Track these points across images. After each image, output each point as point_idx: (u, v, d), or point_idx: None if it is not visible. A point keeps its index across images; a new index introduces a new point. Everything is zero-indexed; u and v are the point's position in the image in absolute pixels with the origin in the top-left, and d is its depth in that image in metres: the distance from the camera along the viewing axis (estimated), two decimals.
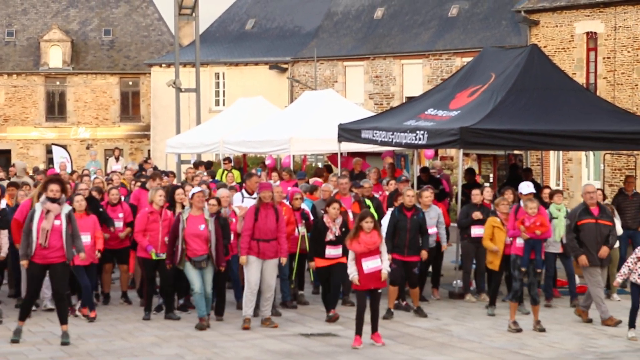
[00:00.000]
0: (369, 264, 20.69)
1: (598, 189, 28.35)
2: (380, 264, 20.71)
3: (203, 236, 22.77)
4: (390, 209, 24.94)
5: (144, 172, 33.61)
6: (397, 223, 23.80)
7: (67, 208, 21.20)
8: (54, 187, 20.97)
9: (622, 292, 26.18)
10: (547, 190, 27.95)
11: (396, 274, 23.35)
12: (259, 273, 22.49)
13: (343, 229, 23.19)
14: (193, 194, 23.39)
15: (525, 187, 24.28)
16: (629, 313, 21.68)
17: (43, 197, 20.97)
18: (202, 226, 22.84)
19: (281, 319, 22.99)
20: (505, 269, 24.20)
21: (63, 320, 21.00)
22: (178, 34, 65.74)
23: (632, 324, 21.68)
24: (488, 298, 25.24)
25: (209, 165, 40.11)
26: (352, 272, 20.75)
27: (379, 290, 21.26)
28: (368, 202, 26.42)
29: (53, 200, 20.86)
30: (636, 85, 57.86)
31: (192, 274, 22.74)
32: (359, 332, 20.56)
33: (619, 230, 26.49)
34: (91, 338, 21.21)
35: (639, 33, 58.06)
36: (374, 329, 20.77)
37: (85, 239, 23.01)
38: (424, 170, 32.10)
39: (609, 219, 23.69)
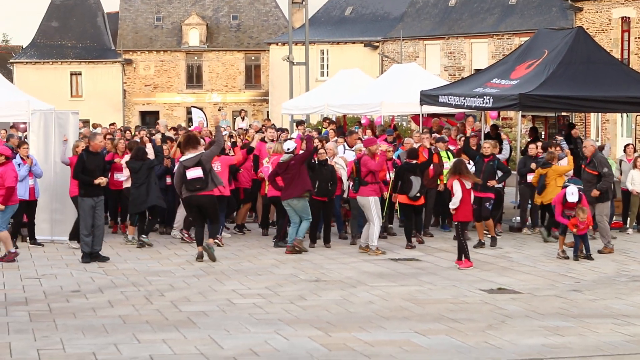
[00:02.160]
0: (456, 199, 21.18)
1: (629, 144, 28.87)
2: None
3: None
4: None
5: (263, 129, 33.83)
6: (475, 166, 24.30)
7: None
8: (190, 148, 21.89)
9: (636, 227, 27.32)
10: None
11: (478, 212, 23.61)
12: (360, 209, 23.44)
13: (423, 166, 23.96)
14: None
15: (570, 196, 23.49)
16: None
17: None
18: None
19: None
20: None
21: (213, 235, 22.22)
22: (291, 19, 69.89)
23: None
24: (541, 231, 25.62)
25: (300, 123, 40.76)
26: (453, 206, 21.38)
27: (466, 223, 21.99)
28: (443, 153, 26.76)
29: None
30: None
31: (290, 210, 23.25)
32: (463, 256, 21.08)
33: None
34: (224, 260, 21.68)
35: None
36: (466, 255, 21.14)
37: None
38: (494, 127, 32.20)
39: (594, 169, 24.33)
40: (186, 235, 24.59)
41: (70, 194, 23.60)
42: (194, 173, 21.32)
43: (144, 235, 23.71)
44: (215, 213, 22.22)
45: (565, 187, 23.07)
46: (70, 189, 23.47)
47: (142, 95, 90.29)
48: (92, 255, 21.15)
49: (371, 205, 22.83)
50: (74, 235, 23.19)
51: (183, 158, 21.79)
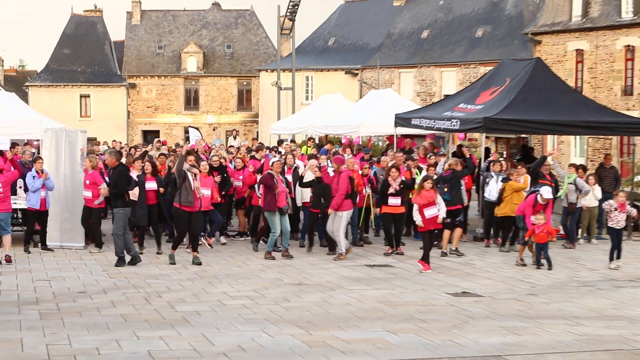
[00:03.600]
0: (428, 212, 21.57)
1: (581, 165, 28.95)
2: (437, 212, 21.65)
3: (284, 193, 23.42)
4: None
5: (252, 148, 34.13)
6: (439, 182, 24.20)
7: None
8: (191, 158, 21.95)
9: (599, 237, 27.29)
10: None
11: (449, 223, 23.73)
12: (334, 221, 23.39)
13: (401, 186, 24.00)
14: (273, 162, 24.08)
15: (546, 192, 23.72)
16: (610, 250, 22.49)
17: (186, 165, 21.62)
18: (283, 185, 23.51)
19: (351, 254, 23.30)
20: (515, 223, 24.58)
21: (194, 248, 22.15)
22: (280, 48, 70.07)
23: (611, 258, 22.45)
24: (501, 241, 25.74)
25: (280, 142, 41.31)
26: (417, 219, 21.81)
27: (436, 231, 22.35)
28: (417, 171, 26.90)
29: (194, 165, 21.89)
30: (611, 88, 57.93)
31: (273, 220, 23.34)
32: (426, 260, 21.46)
33: (599, 195, 26.94)
34: (216, 265, 21.79)
35: (613, 50, 58.34)
36: (424, 258, 21.50)
37: (207, 192, 23.42)
38: (459, 147, 32.38)
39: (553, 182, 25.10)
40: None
41: (87, 203, 23.86)
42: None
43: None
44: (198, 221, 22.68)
45: (534, 192, 23.30)
46: (88, 200, 23.74)
47: (145, 116, 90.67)
48: (122, 259, 21.45)
49: (343, 217, 23.29)
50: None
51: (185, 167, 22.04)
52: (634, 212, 23.56)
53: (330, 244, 24.12)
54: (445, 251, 24.03)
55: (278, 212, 23.14)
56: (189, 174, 21.59)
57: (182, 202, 21.47)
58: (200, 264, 21.53)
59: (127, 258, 21.49)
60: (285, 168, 25.70)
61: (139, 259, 21.61)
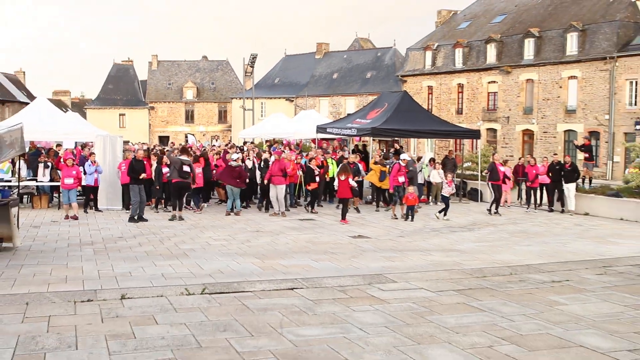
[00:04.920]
0: (344, 183, 21.76)
1: (432, 158, 29.16)
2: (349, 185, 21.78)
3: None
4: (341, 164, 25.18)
5: (227, 147, 34.04)
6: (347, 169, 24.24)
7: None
8: (184, 153, 22.31)
9: (434, 201, 27.52)
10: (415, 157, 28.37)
11: (355, 192, 23.66)
12: (275, 191, 23.18)
13: (321, 171, 24.04)
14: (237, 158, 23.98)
15: (405, 156, 24.45)
16: (443, 209, 22.82)
17: (182, 157, 22.06)
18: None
19: (289, 214, 23.18)
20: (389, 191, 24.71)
21: (181, 207, 22.03)
22: (245, 84, 70.11)
23: (442, 212, 22.81)
24: (384, 205, 25.69)
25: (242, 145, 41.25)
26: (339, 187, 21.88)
27: (348, 199, 22.18)
28: (330, 160, 26.93)
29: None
30: (449, 110, 58.42)
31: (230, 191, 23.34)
32: (344, 217, 21.41)
33: (442, 177, 27.17)
34: (204, 220, 21.60)
35: (450, 86, 58.91)
36: (343, 217, 21.43)
37: (198, 170, 23.63)
38: (356, 146, 32.58)
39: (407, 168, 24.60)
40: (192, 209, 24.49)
41: (121, 182, 24.04)
42: (185, 168, 21.66)
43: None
44: (188, 191, 22.73)
45: (397, 162, 23.87)
46: (122, 180, 23.89)
47: (160, 127, 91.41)
48: (135, 218, 21.14)
49: (282, 190, 23.22)
50: (127, 207, 23.66)
51: (181, 157, 22.16)
52: (453, 189, 23.90)
53: (269, 205, 24.06)
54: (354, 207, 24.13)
55: (232, 187, 23.19)
56: (180, 162, 21.87)
57: (179, 176, 21.64)
58: (181, 219, 21.46)
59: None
60: (254, 159, 26.05)
61: (144, 219, 21.30)
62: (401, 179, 23.45)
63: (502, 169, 25.39)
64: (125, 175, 22.80)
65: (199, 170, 23.83)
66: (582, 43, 49.43)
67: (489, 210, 24.50)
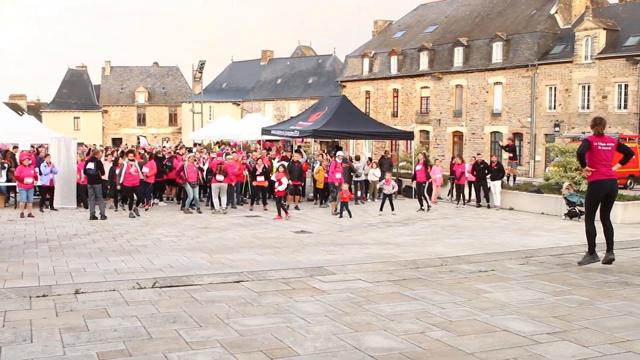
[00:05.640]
0: (281, 187, 21.60)
1: (369, 157, 29.39)
2: (284, 186, 21.70)
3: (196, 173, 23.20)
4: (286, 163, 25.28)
5: (177, 148, 33.83)
6: (292, 167, 24.21)
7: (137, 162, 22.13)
8: (131, 155, 22.19)
9: (379, 198, 27.37)
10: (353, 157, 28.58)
11: (292, 190, 23.81)
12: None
13: (264, 170, 24.06)
14: (189, 156, 24.02)
15: (341, 153, 24.66)
16: (380, 205, 23.27)
17: (126, 159, 22.05)
18: (195, 169, 23.31)
19: (235, 210, 23.23)
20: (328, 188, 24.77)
21: (138, 204, 22.04)
22: (194, 89, 70.74)
23: (381, 209, 23.04)
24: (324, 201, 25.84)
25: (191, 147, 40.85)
26: (277, 188, 21.79)
27: (282, 197, 22.06)
28: (274, 161, 26.87)
29: (132, 160, 21.87)
30: (385, 113, 58.84)
31: (190, 190, 23.10)
32: (280, 213, 21.42)
33: (379, 174, 27.33)
34: (156, 217, 21.45)
35: (386, 91, 59.35)
36: (280, 212, 21.46)
37: (146, 169, 23.34)
38: (299, 147, 32.61)
39: (348, 164, 25.11)
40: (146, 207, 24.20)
41: (78, 182, 23.92)
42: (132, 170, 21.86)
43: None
44: (140, 192, 22.54)
45: (334, 160, 24.23)
46: (77, 179, 23.88)
47: (113, 129, 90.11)
48: (94, 216, 20.83)
49: (226, 188, 23.20)
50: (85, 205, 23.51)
51: (128, 160, 22.14)
52: (395, 187, 24.02)
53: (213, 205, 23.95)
54: (287, 205, 24.05)
55: (191, 185, 22.99)
56: (126, 165, 21.80)
57: (123, 181, 21.84)
58: (138, 216, 21.22)
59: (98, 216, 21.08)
60: (202, 160, 25.91)
61: (104, 216, 21.03)
62: (338, 175, 23.59)
63: (418, 167, 25.63)
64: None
65: (146, 170, 23.53)
66: (507, 52, 50.31)
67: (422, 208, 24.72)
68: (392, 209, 22.85)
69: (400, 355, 6.74)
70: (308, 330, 7.59)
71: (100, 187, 21.26)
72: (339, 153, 25.21)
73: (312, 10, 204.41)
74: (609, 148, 11.09)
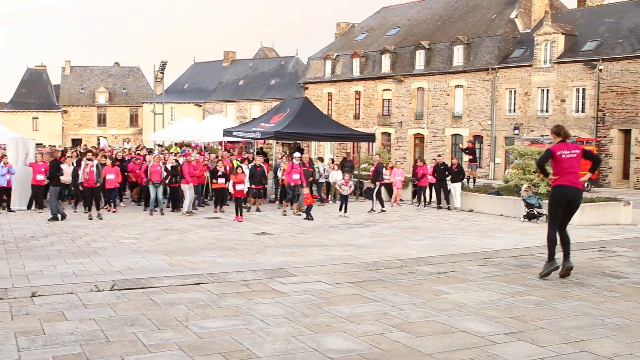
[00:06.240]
0: (238, 187, 21.71)
1: (331, 159, 29.44)
2: (244, 187, 21.86)
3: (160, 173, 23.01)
4: (250, 165, 25.23)
5: (138, 149, 33.56)
6: (254, 171, 24.09)
7: (96, 162, 21.81)
8: (89, 155, 22.03)
9: (333, 200, 27.89)
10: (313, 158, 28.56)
11: (254, 193, 23.93)
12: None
13: (226, 171, 23.90)
14: (154, 156, 23.78)
15: (298, 154, 24.70)
16: (339, 207, 23.38)
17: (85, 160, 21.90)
18: (160, 169, 23.04)
19: (198, 212, 23.19)
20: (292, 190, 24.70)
21: (98, 209, 21.71)
22: (155, 90, 70.30)
23: (340, 210, 23.21)
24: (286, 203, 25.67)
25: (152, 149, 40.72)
26: (231, 189, 21.95)
27: (243, 198, 22.18)
28: (235, 162, 26.55)
29: (90, 159, 21.64)
30: (347, 115, 59.02)
31: (152, 190, 22.94)
32: (239, 214, 21.38)
33: (340, 175, 27.35)
34: (116, 219, 21.30)
35: (349, 93, 59.51)
36: (239, 214, 21.41)
37: (111, 176, 23.14)
38: (261, 149, 32.60)
39: (312, 167, 25.61)
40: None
41: (32, 182, 23.49)
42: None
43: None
44: (98, 194, 22.34)
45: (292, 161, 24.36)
46: (32, 180, 23.39)
47: (73, 130, 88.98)
48: (55, 217, 20.67)
49: (190, 189, 23.11)
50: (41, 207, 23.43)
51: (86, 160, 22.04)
52: (352, 187, 24.10)
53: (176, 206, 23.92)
54: (249, 207, 24.09)
55: (153, 185, 22.88)
56: (87, 166, 21.64)
57: (83, 181, 21.81)
58: (101, 219, 21.01)
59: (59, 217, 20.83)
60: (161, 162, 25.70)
61: (64, 217, 20.86)
62: (295, 176, 23.66)
63: (372, 168, 25.84)
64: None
65: (111, 177, 23.32)
66: (467, 55, 50.82)
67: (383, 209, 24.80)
68: (345, 211, 22.97)
69: (359, 356, 6.77)
70: (267, 333, 7.59)
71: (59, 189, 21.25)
72: (296, 154, 25.22)
73: (274, 12, 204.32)
74: (574, 155, 10.80)
